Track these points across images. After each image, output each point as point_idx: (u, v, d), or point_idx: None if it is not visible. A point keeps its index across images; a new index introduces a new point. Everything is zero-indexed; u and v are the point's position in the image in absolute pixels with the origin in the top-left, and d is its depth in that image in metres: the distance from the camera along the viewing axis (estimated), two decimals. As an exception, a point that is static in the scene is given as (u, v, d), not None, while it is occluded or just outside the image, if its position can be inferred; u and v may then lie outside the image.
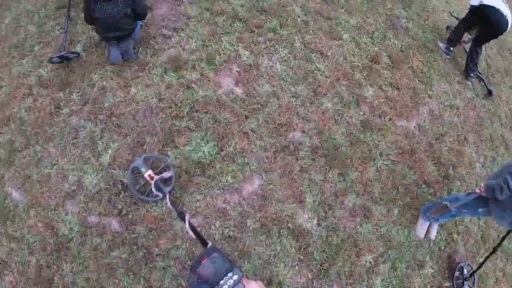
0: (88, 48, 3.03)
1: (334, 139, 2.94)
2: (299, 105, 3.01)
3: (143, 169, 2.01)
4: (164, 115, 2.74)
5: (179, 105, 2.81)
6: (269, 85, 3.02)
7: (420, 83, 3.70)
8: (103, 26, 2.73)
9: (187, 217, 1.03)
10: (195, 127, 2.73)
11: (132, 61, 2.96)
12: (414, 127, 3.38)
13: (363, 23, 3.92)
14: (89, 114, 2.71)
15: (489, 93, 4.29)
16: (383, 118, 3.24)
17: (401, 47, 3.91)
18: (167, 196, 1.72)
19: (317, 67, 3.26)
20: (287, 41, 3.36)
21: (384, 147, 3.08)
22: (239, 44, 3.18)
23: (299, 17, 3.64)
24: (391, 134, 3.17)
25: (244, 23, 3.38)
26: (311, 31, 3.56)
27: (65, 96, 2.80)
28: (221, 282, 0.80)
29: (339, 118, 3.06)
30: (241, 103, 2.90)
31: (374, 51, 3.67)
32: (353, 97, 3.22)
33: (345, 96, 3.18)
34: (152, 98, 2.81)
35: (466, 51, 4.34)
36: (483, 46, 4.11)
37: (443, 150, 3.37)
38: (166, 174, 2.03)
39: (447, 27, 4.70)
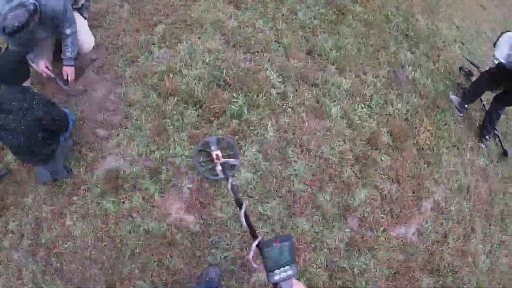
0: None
1: (310, 273, 2.36)
2: (268, 232, 2.37)
3: (213, 147, 2.01)
4: (105, 258, 2.16)
5: (119, 245, 2.20)
6: (231, 208, 2.34)
7: (426, 165, 2.99)
8: (16, 154, 2.10)
9: (244, 205, 1.05)
10: (140, 275, 2.16)
11: (64, 180, 2.29)
12: (413, 233, 2.77)
13: (359, 84, 3.06)
14: (29, 249, 2.21)
15: (504, 153, 3.60)
16: (375, 231, 2.61)
17: (405, 114, 3.11)
18: (230, 179, 1.67)
19: (294, 170, 2.53)
20: (256, 131, 2.57)
21: (372, 272, 2.51)
22: (192, 147, 2.42)
23: (274, 88, 2.78)
24: (384, 252, 2.59)
25: (199, 109, 2.56)
26: (289, 109, 2.74)
27: (2, 225, 2.26)
28: (276, 271, 0.82)
29: (318, 244, 2.44)
30: (193, 239, 2.26)
31: (371, 129, 2.89)
32: (338, 209, 2.55)
33: (328, 211, 2.51)
34: (89, 234, 2.20)
35: (484, 108, 3.55)
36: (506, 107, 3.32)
37: (445, 255, 2.81)
38: (233, 161, 2.03)
39: (460, 68, 3.82)
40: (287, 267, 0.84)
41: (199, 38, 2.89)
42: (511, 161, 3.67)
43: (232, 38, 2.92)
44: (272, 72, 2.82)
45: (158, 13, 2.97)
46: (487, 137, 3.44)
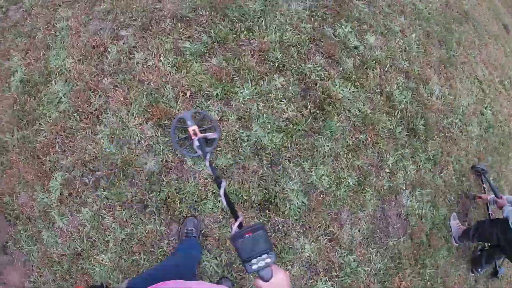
0: None
1: None
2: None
3: (189, 123, 1.90)
4: None
5: None
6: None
7: None
8: None
9: (223, 184, 1.00)
10: None
11: None
12: None
13: (329, 247, 2.14)
14: None
15: (495, 273, 3.03)
16: None
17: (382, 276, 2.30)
18: (207, 155, 1.58)
19: None
20: None
21: None
22: None
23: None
24: None
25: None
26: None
27: None
28: (253, 261, 0.79)
29: None
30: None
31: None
32: None
33: None
34: None
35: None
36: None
37: None
38: (210, 135, 1.93)
39: (472, 167, 2.89)
40: (264, 255, 0.79)
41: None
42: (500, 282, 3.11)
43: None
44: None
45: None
46: (479, 270, 2.79)
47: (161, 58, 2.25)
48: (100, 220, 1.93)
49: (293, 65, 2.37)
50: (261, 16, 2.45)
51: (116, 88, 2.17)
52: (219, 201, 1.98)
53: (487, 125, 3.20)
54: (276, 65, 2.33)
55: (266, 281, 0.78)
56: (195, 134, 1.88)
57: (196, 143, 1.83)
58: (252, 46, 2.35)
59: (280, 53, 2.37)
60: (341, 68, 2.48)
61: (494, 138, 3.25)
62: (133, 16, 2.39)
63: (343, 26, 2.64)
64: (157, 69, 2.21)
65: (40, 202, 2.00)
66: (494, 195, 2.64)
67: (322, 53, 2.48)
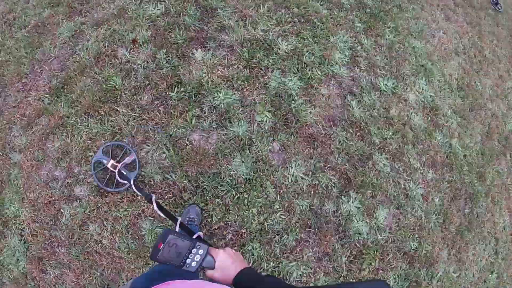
0: None
1: None
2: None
3: (104, 161, 1.86)
4: None
5: None
6: None
7: None
8: None
9: (153, 198, 1.02)
10: None
11: None
12: None
13: None
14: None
15: None
16: None
17: None
18: (131, 181, 1.60)
19: None
20: None
21: None
22: None
23: None
24: None
25: None
26: None
27: None
28: (188, 260, 0.77)
29: None
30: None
31: None
32: None
33: None
34: None
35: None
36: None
37: None
38: (128, 159, 1.88)
39: None
40: (194, 250, 0.77)
41: None
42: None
43: None
44: None
45: None
46: None
47: (117, 239, 1.77)
48: None
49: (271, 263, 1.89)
50: (244, 191, 1.88)
51: (70, 265, 1.77)
52: None
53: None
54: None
55: (213, 268, 0.77)
56: (115, 168, 1.83)
57: (118, 178, 1.80)
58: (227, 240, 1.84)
59: (260, 246, 1.87)
60: (331, 265, 2.01)
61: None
62: (89, 170, 1.84)
63: (350, 201, 2.08)
64: (113, 251, 1.77)
65: None
66: None
67: (313, 247, 1.97)
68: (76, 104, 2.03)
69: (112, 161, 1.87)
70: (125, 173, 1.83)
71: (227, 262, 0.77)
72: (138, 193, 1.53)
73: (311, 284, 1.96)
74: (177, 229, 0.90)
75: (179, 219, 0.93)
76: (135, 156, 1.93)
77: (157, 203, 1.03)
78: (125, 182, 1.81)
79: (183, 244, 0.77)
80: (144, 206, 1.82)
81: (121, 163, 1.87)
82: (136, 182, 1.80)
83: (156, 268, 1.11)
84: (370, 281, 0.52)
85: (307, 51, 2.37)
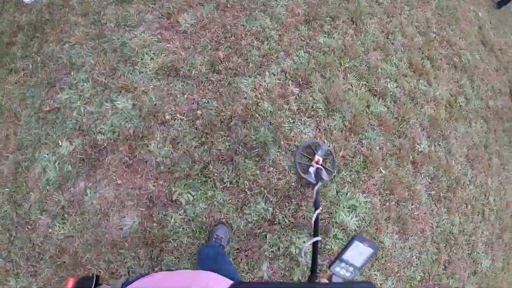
0: None
1: None
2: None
3: (320, 152, 2.10)
4: None
5: None
6: None
7: None
8: None
9: (318, 211, 1.14)
10: None
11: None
12: None
13: None
14: None
15: None
16: None
17: None
18: (319, 184, 1.77)
19: None
20: None
21: None
22: None
23: None
24: None
25: None
26: None
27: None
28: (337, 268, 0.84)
29: None
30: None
31: None
32: None
33: None
34: None
35: None
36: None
37: None
38: (324, 173, 2.07)
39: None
40: (351, 268, 0.84)
41: None
42: None
43: None
44: None
45: None
46: None
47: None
48: None
49: None
50: None
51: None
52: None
53: None
54: None
55: None
56: (317, 163, 2.05)
57: (313, 169, 2.02)
58: None
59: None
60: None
61: None
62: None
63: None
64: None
65: None
66: None
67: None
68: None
69: (320, 158, 2.09)
70: (320, 174, 1.99)
71: None
72: (314, 194, 1.62)
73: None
74: (308, 244, 0.99)
75: (320, 238, 0.99)
76: (331, 176, 2.14)
77: (317, 217, 1.12)
78: (313, 178, 2.00)
79: (360, 260, 0.84)
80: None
81: (323, 166, 2.09)
82: (319, 189, 1.89)
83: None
84: (360, 282, 0.61)
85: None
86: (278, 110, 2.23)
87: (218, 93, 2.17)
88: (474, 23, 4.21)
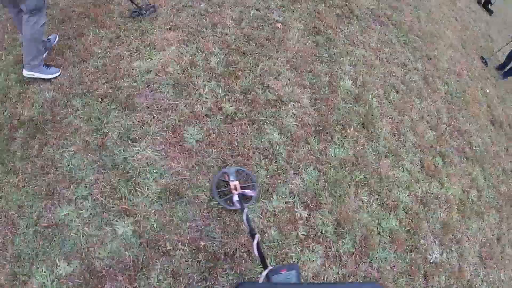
0: None
1: None
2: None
3: (231, 178, 2.10)
4: None
5: None
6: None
7: None
8: None
9: (257, 237, 1.13)
10: None
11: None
12: None
13: None
14: None
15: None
16: None
17: None
18: (246, 211, 1.75)
19: None
20: None
21: None
22: None
23: None
24: None
25: None
26: None
27: None
28: None
29: None
30: None
31: None
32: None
33: None
34: None
35: None
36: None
37: None
38: (249, 192, 2.10)
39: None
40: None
41: None
42: None
43: None
44: None
45: None
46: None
47: None
48: None
49: None
50: None
51: None
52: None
53: None
54: None
55: None
56: (235, 189, 2.03)
57: (236, 198, 1.98)
58: None
59: None
60: None
61: None
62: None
63: None
64: None
65: None
66: None
67: None
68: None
69: (237, 183, 2.08)
70: (241, 199, 2.00)
71: None
72: (245, 223, 1.65)
73: None
74: (264, 275, 0.98)
75: (269, 267, 0.99)
76: (255, 195, 2.14)
77: (258, 243, 1.12)
78: (237, 205, 1.99)
79: (295, 281, 0.90)
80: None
81: (243, 190, 2.08)
82: (248, 213, 1.92)
83: None
84: (364, 283, 0.66)
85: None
86: (286, 238, 2.21)
87: (223, 222, 2.16)
88: (483, 102, 4.23)
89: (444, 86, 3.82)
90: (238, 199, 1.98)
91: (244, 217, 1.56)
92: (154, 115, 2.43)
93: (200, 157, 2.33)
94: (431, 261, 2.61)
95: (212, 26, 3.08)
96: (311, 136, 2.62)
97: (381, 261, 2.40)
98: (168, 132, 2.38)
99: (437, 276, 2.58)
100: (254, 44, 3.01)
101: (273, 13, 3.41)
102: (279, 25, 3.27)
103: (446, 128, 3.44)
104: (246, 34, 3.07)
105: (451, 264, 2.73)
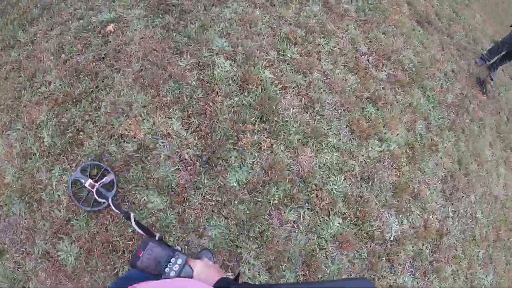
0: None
1: None
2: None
3: (82, 180, 1.96)
4: None
5: None
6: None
7: None
8: None
9: (132, 216, 1.07)
10: None
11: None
12: None
13: None
14: None
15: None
16: None
17: None
18: (110, 200, 1.72)
19: None
20: None
21: None
22: None
23: None
24: None
25: None
26: None
27: None
28: (166, 270, 0.78)
29: None
30: None
31: None
32: None
33: None
34: None
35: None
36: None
37: None
38: (106, 179, 1.98)
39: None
40: (172, 260, 0.79)
41: None
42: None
43: None
44: None
45: None
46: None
47: None
48: None
49: None
50: None
51: None
52: None
53: None
54: None
55: (191, 277, 0.79)
56: (93, 187, 1.92)
57: (96, 197, 1.87)
58: None
59: None
60: None
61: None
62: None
63: None
64: None
65: None
66: None
67: None
68: None
69: (90, 181, 1.92)
70: (103, 192, 1.88)
71: (205, 272, 0.79)
72: (117, 211, 1.54)
73: None
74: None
75: (158, 234, 0.90)
76: (114, 176, 1.96)
77: (135, 220, 1.01)
78: (103, 201, 1.86)
79: (163, 253, 0.79)
80: None
81: (99, 182, 1.91)
82: (114, 201, 1.83)
83: (133, 274, 1.06)
84: (355, 279, 0.74)
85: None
86: None
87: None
88: (401, 1, 3.44)
89: (351, 3, 3.02)
90: (97, 195, 1.87)
91: (112, 207, 1.45)
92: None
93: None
94: (391, 239, 2.26)
95: (29, 79, 2.16)
96: (201, 175, 1.98)
97: (335, 274, 2.02)
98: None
99: (402, 250, 2.26)
100: (86, 77, 2.14)
101: (100, 13, 2.41)
102: (110, 27, 2.33)
103: (368, 60, 2.78)
104: (72, 67, 2.17)
105: (415, 226, 2.39)
